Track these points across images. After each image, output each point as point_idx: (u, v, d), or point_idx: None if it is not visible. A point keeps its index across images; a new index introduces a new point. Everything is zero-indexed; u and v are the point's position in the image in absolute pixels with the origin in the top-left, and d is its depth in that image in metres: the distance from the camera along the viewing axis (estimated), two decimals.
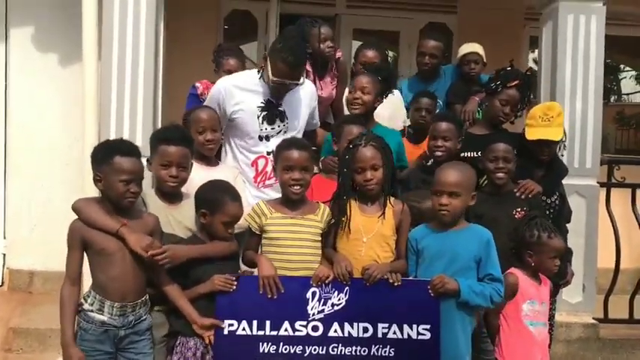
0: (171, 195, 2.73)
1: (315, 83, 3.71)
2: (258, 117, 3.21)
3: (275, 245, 2.69)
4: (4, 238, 4.49)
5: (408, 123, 4.11)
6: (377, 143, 2.74)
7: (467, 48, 4.34)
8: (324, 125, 3.85)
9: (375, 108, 3.51)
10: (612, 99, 11.48)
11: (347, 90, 3.75)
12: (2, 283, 4.45)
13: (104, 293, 2.46)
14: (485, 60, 4.34)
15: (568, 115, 4.00)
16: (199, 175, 2.87)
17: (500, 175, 3.09)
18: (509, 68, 3.52)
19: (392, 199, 2.78)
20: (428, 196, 2.80)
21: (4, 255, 4.47)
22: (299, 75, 3.16)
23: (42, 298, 3.89)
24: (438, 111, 4.00)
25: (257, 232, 2.73)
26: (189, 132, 2.90)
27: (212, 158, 3.19)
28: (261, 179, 3.24)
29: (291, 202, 2.75)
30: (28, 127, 4.52)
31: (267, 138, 3.24)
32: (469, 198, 2.67)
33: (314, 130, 3.56)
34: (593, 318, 4.09)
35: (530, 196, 3.10)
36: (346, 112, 3.69)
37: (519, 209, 3.08)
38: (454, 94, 4.20)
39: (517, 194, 3.11)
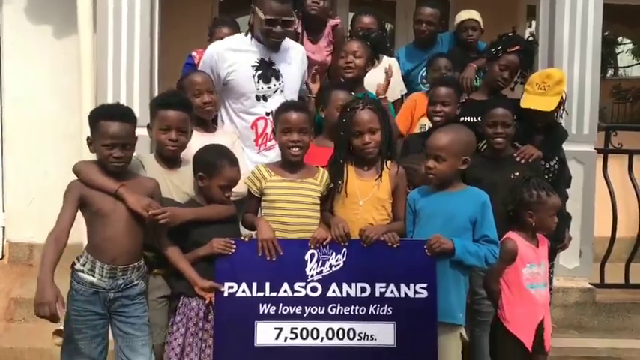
0: (170, 160, 2.74)
1: (305, 46, 3.70)
2: (253, 76, 3.20)
3: (274, 208, 2.70)
4: (3, 211, 4.51)
5: (406, 92, 4.11)
6: (374, 106, 2.74)
7: (464, 15, 4.31)
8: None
9: (365, 74, 3.49)
10: (609, 73, 11.42)
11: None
12: (2, 255, 4.48)
13: (96, 254, 2.48)
14: (482, 27, 4.31)
15: (565, 78, 3.94)
16: (197, 141, 2.87)
17: (499, 140, 3.10)
18: (510, 34, 3.51)
19: (388, 162, 2.78)
20: (425, 158, 2.80)
21: (4, 228, 4.49)
22: (290, 11, 3.15)
23: None
24: None
25: (256, 196, 2.75)
26: (187, 97, 2.90)
27: (209, 124, 3.19)
28: (262, 142, 3.23)
29: (291, 165, 2.75)
30: (23, 100, 4.50)
31: (265, 98, 3.23)
32: (458, 162, 2.67)
33: (304, 98, 3.50)
34: (590, 283, 4.13)
35: (530, 160, 3.11)
36: None
37: (518, 174, 3.07)
38: (452, 61, 4.14)
39: (517, 159, 3.11)
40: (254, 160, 3.18)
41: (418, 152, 3.13)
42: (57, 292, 2.34)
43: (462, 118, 3.37)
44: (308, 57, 3.52)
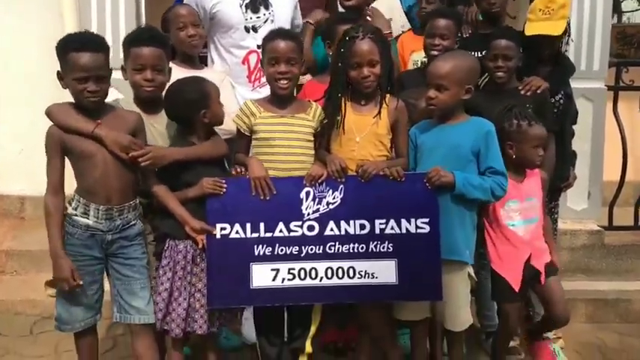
0: (150, 103, 2.56)
1: None
2: (240, 6, 3.07)
3: (266, 146, 2.56)
4: None
5: (408, 27, 3.90)
6: (375, 36, 2.55)
7: None
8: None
9: (369, 3, 3.28)
10: (614, 20, 11.05)
11: None
12: None
13: (88, 196, 2.36)
14: None
15: (576, 12, 3.77)
16: None
17: (500, 74, 2.93)
18: None
19: (387, 96, 2.62)
20: (425, 92, 2.65)
21: None
22: None
23: (34, 223, 3.79)
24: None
25: (247, 134, 2.60)
26: (162, 32, 2.72)
27: (196, 60, 3.03)
28: (255, 77, 3.07)
29: (280, 99, 2.60)
30: (5, 53, 4.31)
31: (255, 29, 3.09)
32: (461, 91, 2.51)
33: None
34: (598, 225, 4.00)
35: (538, 92, 2.94)
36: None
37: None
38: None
39: (522, 92, 2.94)
40: (248, 97, 2.99)
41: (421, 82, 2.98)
42: (70, 266, 2.31)
43: None
44: None
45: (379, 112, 2.58)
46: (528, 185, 2.72)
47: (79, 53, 2.26)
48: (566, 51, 3.36)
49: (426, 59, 3.16)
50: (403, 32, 3.82)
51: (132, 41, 2.55)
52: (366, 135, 2.58)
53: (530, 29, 3.07)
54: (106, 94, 2.38)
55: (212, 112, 2.50)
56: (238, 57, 3.08)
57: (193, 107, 2.47)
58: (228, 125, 2.65)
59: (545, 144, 2.75)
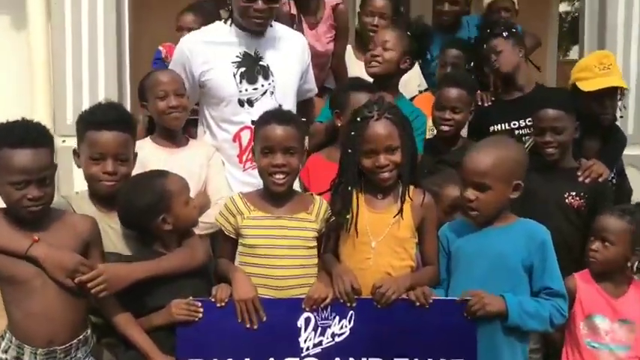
0: (109, 199, 2.03)
1: (303, 32, 3.05)
2: (234, 75, 2.52)
3: (255, 255, 2.02)
4: None
5: (425, 87, 3.41)
6: (394, 116, 2.04)
7: None
8: (323, 92, 3.14)
9: (402, 73, 2.81)
10: None
11: (349, 50, 3.05)
12: None
13: (23, 335, 1.81)
14: (517, 7, 3.58)
15: (621, 68, 3.27)
16: (161, 160, 2.33)
17: (550, 150, 2.44)
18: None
19: (411, 189, 2.07)
20: (451, 179, 2.22)
21: None
22: None
23: None
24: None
25: (232, 236, 2.06)
26: (126, 111, 2.19)
27: (178, 136, 2.52)
28: (247, 157, 2.54)
29: (275, 195, 2.06)
30: None
31: (250, 102, 2.55)
32: (507, 189, 1.99)
33: (308, 101, 2.82)
34: None
35: (599, 180, 2.41)
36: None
37: (574, 194, 2.41)
38: (477, 51, 3.43)
39: (580, 177, 2.42)
40: (240, 180, 2.51)
41: (432, 165, 2.55)
42: None
43: (491, 127, 2.85)
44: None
45: (401, 210, 2.03)
46: (627, 303, 2.16)
47: (16, 150, 1.75)
48: (621, 117, 2.86)
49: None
50: (420, 92, 3.33)
51: (89, 122, 2.04)
52: (385, 239, 2.03)
53: (592, 84, 2.65)
54: (52, 198, 1.84)
55: (175, 216, 1.97)
56: (229, 133, 2.55)
57: (149, 214, 1.94)
58: (213, 218, 2.16)
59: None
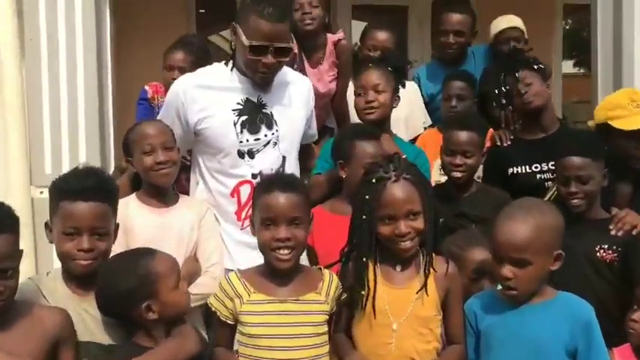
0: (85, 279, 1.75)
1: (306, 72, 2.89)
2: (234, 124, 2.26)
3: (257, 347, 1.75)
4: None
5: (430, 123, 3.22)
6: (413, 176, 1.80)
7: (503, 22, 3.42)
8: (323, 131, 2.94)
9: (391, 111, 2.63)
10: None
11: (351, 86, 2.83)
12: None
13: None
14: (526, 37, 3.38)
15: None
16: (147, 221, 2.15)
17: (576, 201, 2.18)
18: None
19: (434, 257, 1.82)
20: (474, 239, 2.01)
21: None
22: (286, 33, 2.23)
23: None
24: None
25: (229, 322, 1.78)
26: (107, 178, 1.92)
27: (167, 193, 2.25)
28: (247, 214, 2.26)
29: (279, 273, 1.79)
30: None
31: (251, 154, 2.28)
32: (548, 260, 1.75)
33: (308, 146, 2.59)
34: None
35: (633, 233, 2.16)
36: (354, 118, 2.76)
37: (606, 247, 2.16)
38: (490, 81, 3.18)
39: (612, 230, 2.17)
40: (237, 240, 2.25)
41: (450, 219, 2.28)
42: None
43: (510, 169, 2.64)
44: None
45: (425, 285, 1.77)
46: None
47: None
48: None
49: None
50: (425, 128, 3.10)
51: (62, 191, 1.77)
52: (407, 320, 1.78)
53: (633, 123, 2.41)
54: (14, 292, 1.56)
55: (162, 303, 1.69)
56: (227, 187, 2.28)
57: (130, 300, 1.66)
58: (204, 288, 1.96)
59: None
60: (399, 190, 1.77)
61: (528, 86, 2.63)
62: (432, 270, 1.80)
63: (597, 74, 3.32)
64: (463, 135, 2.43)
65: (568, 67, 9.29)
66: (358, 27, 4.37)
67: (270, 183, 1.82)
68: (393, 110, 2.69)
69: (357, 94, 2.59)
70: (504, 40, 3.36)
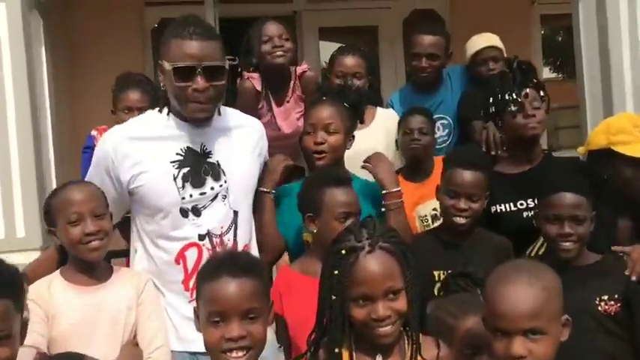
0: None
1: (272, 111, 2.70)
2: (174, 178, 1.95)
3: None
4: None
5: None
6: (392, 244, 1.48)
7: (481, 42, 3.17)
8: (297, 173, 2.62)
9: (344, 152, 2.32)
10: None
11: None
12: None
13: None
14: (506, 55, 3.12)
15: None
16: (75, 304, 1.84)
17: (567, 244, 1.93)
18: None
19: (421, 338, 1.51)
20: (471, 305, 1.69)
21: None
22: (214, 52, 1.92)
23: None
24: (441, 131, 2.97)
25: None
26: (7, 266, 1.56)
27: (99, 267, 1.93)
28: (194, 284, 1.91)
29: None
30: None
31: (196, 211, 1.97)
32: (560, 328, 1.48)
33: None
34: None
35: None
36: None
37: (606, 298, 1.90)
38: (469, 105, 3.01)
39: (633, 277, 1.91)
40: (184, 315, 1.92)
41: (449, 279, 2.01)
42: None
43: (494, 207, 2.34)
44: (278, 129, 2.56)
45: None
46: None
47: None
48: None
49: (436, 212, 2.41)
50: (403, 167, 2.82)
51: None
52: None
53: (637, 150, 2.21)
54: None
55: None
56: (169, 253, 1.96)
57: None
58: None
59: None
60: (374, 264, 1.45)
61: (535, 110, 2.32)
62: (419, 358, 1.49)
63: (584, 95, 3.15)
64: (468, 175, 2.15)
65: (545, 72, 9.23)
66: (327, 49, 4.17)
67: (216, 267, 1.48)
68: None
69: (306, 132, 2.26)
70: (482, 61, 3.10)
